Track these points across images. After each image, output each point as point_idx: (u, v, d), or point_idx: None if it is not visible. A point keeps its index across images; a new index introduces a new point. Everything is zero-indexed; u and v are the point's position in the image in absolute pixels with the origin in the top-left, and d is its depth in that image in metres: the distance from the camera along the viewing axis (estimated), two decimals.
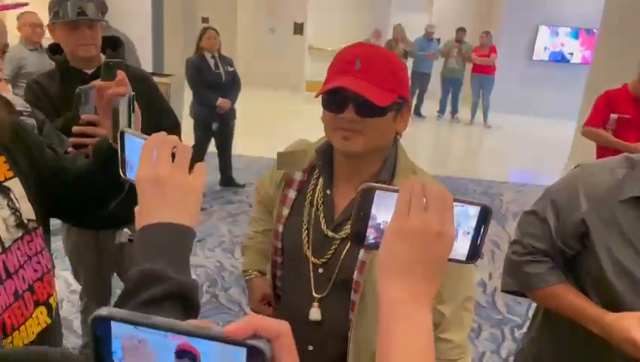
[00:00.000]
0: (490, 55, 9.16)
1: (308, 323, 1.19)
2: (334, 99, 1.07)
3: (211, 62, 4.74)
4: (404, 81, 1.11)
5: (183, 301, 0.63)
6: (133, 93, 1.15)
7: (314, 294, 1.19)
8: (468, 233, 0.64)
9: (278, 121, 7.97)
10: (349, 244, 1.15)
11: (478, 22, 10.70)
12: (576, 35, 10.74)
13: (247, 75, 11.59)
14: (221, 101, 4.70)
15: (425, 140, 8.89)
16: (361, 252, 1.13)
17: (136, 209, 0.69)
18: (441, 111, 9.93)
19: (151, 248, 0.65)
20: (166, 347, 0.38)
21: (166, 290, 0.61)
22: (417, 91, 9.58)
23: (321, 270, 1.18)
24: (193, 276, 3.04)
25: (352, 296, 1.14)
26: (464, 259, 0.65)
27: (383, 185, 0.64)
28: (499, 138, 8.82)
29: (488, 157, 7.72)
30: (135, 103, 1.15)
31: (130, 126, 1.13)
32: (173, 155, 0.70)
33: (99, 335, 0.39)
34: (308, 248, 1.19)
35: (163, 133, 0.72)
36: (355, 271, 1.13)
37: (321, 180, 1.22)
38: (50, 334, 1.01)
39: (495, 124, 9.44)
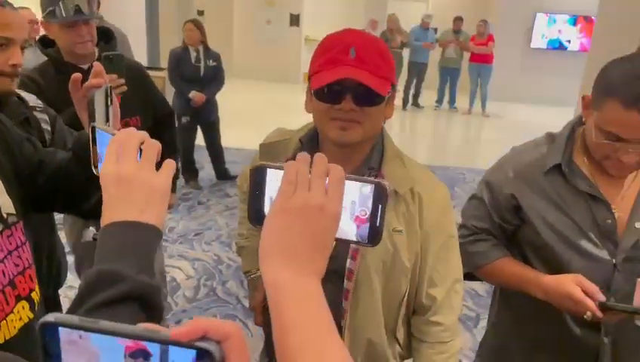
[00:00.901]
0: (487, 44, 9.11)
1: None
2: (331, 90, 1.05)
3: (193, 55, 4.72)
4: (394, 67, 1.11)
5: (143, 302, 0.60)
6: (109, 84, 1.13)
7: None
8: (366, 213, 0.62)
9: (275, 113, 7.94)
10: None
11: (475, 10, 10.64)
12: (574, 22, 10.69)
13: (243, 67, 11.58)
14: (194, 94, 4.66)
15: (423, 130, 8.87)
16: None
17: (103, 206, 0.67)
18: (439, 101, 9.90)
19: (110, 248, 0.62)
20: (114, 349, 0.39)
21: (124, 292, 0.58)
22: (415, 81, 9.54)
23: None
24: (191, 269, 3.06)
25: (346, 284, 1.13)
26: (366, 241, 0.63)
27: (272, 163, 0.63)
28: (497, 127, 8.80)
29: (487, 146, 7.69)
30: (113, 95, 1.13)
31: (107, 118, 1.11)
32: (141, 152, 0.67)
33: (47, 341, 0.39)
34: None
35: (131, 129, 0.70)
36: (348, 259, 1.13)
37: None
38: (33, 329, 0.99)
39: (493, 113, 9.42)
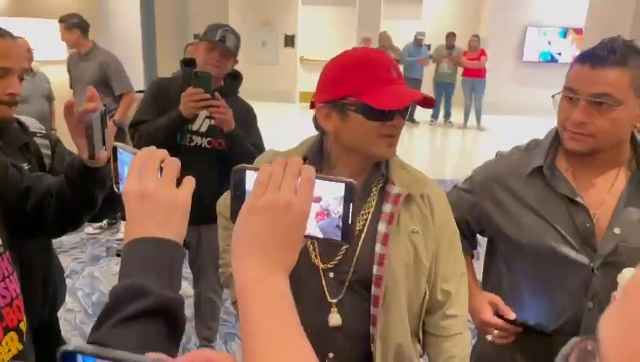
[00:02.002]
0: (480, 58, 9.23)
1: (326, 331, 1.18)
2: (388, 109, 1.08)
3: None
4: None
5: (167, 317, 0.61)
6: (104, 108, 1.13)
7: (329, 300, 1.17)
8: (338, 212, 0.63)
9: (273, 132, 7.97)
10: (360, 242, 1.17)
11: (466, 26, 10.79)
12: (564, 34, 10.83)
13: (241, 88, 11.63)
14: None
15: (420, 145, 8.91)
16: (377, 245, 1.15)
17: (123, 225, 0.69)
18: (435, 116, 9.98)
19: (134, 263, 0.64)
20: None
21: (149, 306, 0.60)
22: None
23: (331, 274, 1.18)
24: (190, 289, 3.00)
25: (374, 291, 1.15)
26: (339, 238, 0.64)
27: (251, 166, 0.66)
28: (493, 140, 8.85)
29: (483, 159, 7.63)
30: (107, 118, 1.13)
31: (104, 142, 1.11)
32: (161, 170, 0.69)
33: None
34: (315, 256, 1.18)
35: (152, 148, 0.72)
36: (375, 266, 1.14)
37: None
38: (23, 359, 0.99)
39: (488, 126, 9.49)
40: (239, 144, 2.14)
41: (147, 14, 9.60)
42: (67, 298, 2.03)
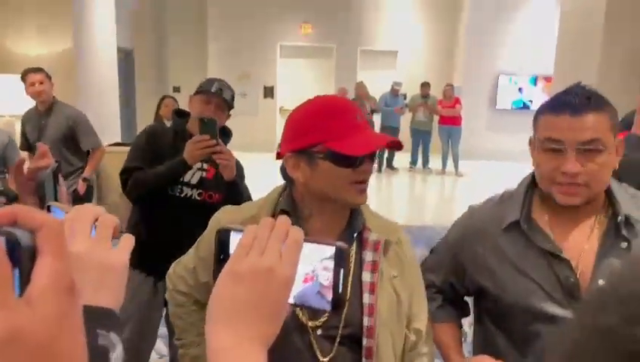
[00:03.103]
0: (455, 106, 9.48)
1: None
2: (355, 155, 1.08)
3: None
4: None
5: None
6: (57, 164, 1.11)
7: (321, 359, 1.13)
8: (327, 277, 0.59)
9: (252, 182, 7.96)
10: (347, 295, 1.14)
11: (440, 75, 11.15)
12: (534, 81, 11.24)
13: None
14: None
15: (399, 192, 8.98)
16: (365, 295, 1.13)
17: None
18: (413, 162, 10.12)
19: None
20: None
21: None
22: None
23: (320, 331, 1.14)
24: (164, 348, 2.87)
25: (367, 342, 1.12)
26: (328, 307, 0.60)
27: (236, 226, 0.62)
28: (471, 185, 8.98)
29: (462, 204, 7.71)
30: (60, 175, 1.11)
31: (56, 199, 1.08)
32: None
33: None
34: (303, 314, 1.14)
35: (86, 205, 0.67)
36: (365, 317, 1.12)
37: None
38: None
39: (466, 172, 9.64)
40: (239, 193, 2.12)
41: (126, 67, 9.73)
42: None
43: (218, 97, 2.19)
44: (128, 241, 0.65)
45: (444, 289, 1.37)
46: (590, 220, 1.22)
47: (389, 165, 10.00)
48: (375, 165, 9.68)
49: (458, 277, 1.35)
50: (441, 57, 11.85)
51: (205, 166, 2.19)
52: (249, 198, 2.21)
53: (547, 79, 10.73)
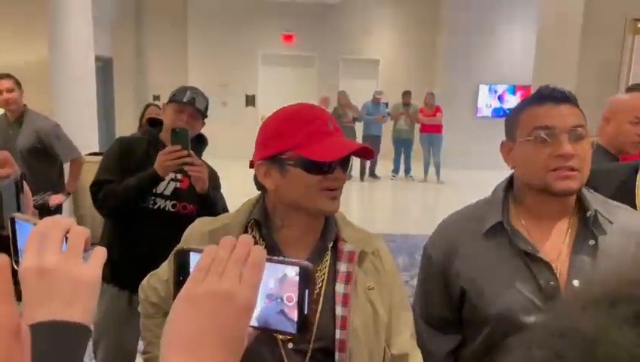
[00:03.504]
0: (436, 115, 9.56)
1: None
2: (327, 162, 1.06)
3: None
4: None
5: None
6: (19, 173, 1.04)
7: None
8: (292, 299, 0.56)
9: (234, 191, 7.91)
10: (319, 308, 1.11)
11: (422, 84, 11.23)
12: (513, 91, 11.40)
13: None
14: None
15: (382, 200, 8.99)
16: (338, 307, 1.09)
17: (21, 307, 0.61)
18: (395, 170, 10.16)
19: (31, 355, 0.55)
20: None
21: None
22: None
23: (290, 345, 1.10)
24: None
25: (339, 356, 1.08)
26: (294, 330, 0.57)
27: (196, 247, 0.59)
28: (453, 193, 9.03)
29: (445, 212, 7.75)
30: (24, 183, 1.04)
31: (19, 210, 1.01)
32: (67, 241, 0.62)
33: None
34: None
35: (56, 217, 0.65)
36: (337, 330, 1.08)
37: None
38: None
39: (448, 180, 9.70)
40: (212, 205, 2.07)
41: (105, 75, 9.62)
42: None
43: (191, 106, 2.14)
44: (100, 254, 0.63)
45: (445, 318, 1.30)
46: (564, 223, 1.23)
47: (372, 173, 10.02)
48: (357, 174, 9.75)
49: (453, 295, 1.29)
50: (423, 66, 11.96)
51: (179, 176, 2.13)
52: (225, 209, 2.17)
53: (526, 88, 10.90)
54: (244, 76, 11.90)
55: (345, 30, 11.87)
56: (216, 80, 11.77)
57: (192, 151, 2.00)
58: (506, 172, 1.33)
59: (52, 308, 0.57)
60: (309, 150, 1.05)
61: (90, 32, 6.31)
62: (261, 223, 1.13)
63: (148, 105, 4.90)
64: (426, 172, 9.84)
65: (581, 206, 1.23)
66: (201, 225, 1.22)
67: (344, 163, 1.09)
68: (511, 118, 1.26)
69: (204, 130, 2.28)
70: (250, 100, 12.02)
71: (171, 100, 2.18)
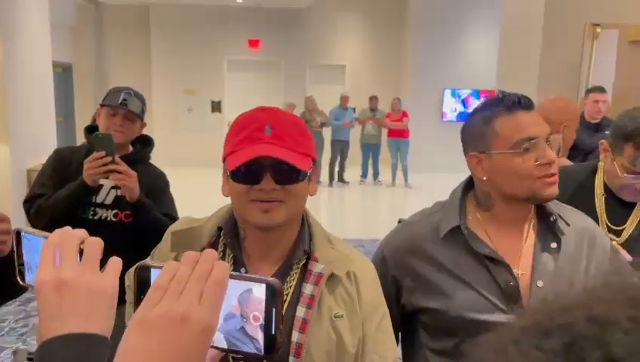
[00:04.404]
0: (402, 119, 9.63)
1: None
2: (249, 170, 0.99)
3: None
4: (313, 143, 1.08)
5: None
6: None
7: None
8: (259, 319, 0.53)
9: (200, 198, 7.76)
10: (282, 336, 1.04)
11: (388, 89, 11.31)
12: (477, 95, 11.61)
13: (165, 155, 11.43)
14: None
15: (351, 205, 8.99)
16: (294, 333, 1.01)
17: (35, 321, 0.58)
18: (364, 175, 10.19)
19: None
20: None
21: None
22: (338, 158, 9.82)
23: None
24: None
25: (292, 361, 1.00)
26: (261, 352, 0.53)
27: (157, 264, 0.57)
28: (421, 197, 9.10)
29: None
30: None
31: None
32: (81, 253, 0.60)
33: None
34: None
35: (67, 228, 0.63)
36: (294, 332, 1.00)
37: (228, 260, 1.08)
38: None
39: (416, 184, 9.78)
40: (145, 214, 1.98)
41: (65, 82, 9.35)
42: None
43: (124, 109, 2.04)
44: (116, 264, 0.62)
45: (392, 311, 1.27)
46: (524, 225, 1.24)
47: (341, 179, 10.02)
48: (326, 179, 9.71)
49: (398, 301, 1.28)
50: (389, 71, 12.05)
51: None
52: (173, 216, 2.08)
53: (489, 92, 11.12)
54: (210, 82, 11.74)
55: (311, 36, 11.87)
56: (181, 86, 11.58)
57: (117, 157, 1.92)
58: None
59: (72, 323, 0.56)
60: (230, 158, 1.01)
61: (47, 37, 6.10)
62: (225, 232, 1.08)
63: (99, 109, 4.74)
64: (393, 176, 9.90)
65: (539, 209, 1.25)
66: (180, 224, 1.17)
67: (277, 173, 0.99)
68: (478, 130, 1.21)
69: (168, 137, 2.19)
70: (216, 106, 11.87)
71: (103, 104, 2.09)
